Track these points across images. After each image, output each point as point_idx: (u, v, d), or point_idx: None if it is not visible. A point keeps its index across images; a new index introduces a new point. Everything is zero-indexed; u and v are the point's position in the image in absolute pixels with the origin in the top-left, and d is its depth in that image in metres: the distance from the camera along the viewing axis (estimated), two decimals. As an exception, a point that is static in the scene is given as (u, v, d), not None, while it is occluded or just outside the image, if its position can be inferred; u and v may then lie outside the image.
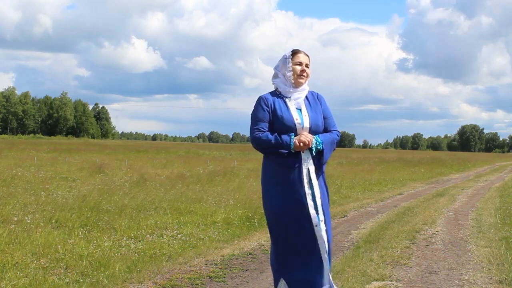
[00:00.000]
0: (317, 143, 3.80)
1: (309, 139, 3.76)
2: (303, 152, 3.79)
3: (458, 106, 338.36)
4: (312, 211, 3.75)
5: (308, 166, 3.80)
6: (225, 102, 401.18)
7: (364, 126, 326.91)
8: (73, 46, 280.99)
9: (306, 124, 3.83)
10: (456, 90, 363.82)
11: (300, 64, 3.91)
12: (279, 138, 3.78)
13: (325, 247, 3.76)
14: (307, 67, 3.94)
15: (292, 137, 3.77)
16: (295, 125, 3.81)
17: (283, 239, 3.83)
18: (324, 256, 3.76)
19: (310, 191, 3.78)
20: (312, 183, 3.80)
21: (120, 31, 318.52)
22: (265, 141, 3.80)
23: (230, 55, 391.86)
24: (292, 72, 3.90)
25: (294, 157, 3.79)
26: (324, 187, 3.91)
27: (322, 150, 3.82)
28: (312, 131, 3.83)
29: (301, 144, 3.74)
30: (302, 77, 3.91)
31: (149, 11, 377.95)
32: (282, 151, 3.77)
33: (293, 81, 3.91)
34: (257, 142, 3.83)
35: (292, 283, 3.81)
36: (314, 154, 3.81)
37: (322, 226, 3.78)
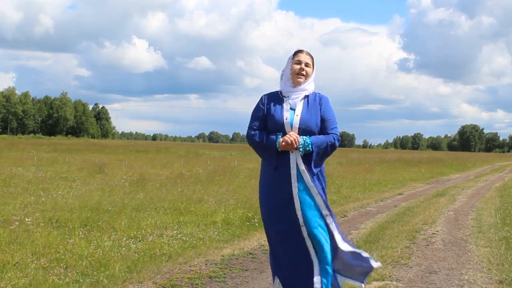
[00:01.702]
0: (306, 144, 3.74)
1: (293, 139, 3.71)
2: (291, 152, 3.76)
3: (458, 106, 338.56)
4: (299, 212, 3.74)
5: (298, 167, 3.76)
6: (225, 102, 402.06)
7: (364, 126, 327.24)
8: (74, 46, 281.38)
9: (296, 124, 3.79)
10: (456, 90, 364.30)
11: (299, 62, 3.91)
12: (267, 137, 3.81)
13: (313, 248, 3.73)
14: (308, 66, 3.92)
15: (279, 136, 3.77)
16: (284, 124, 3.80)
17: (273, 239, 3.86)
18: (314, 257, 3.74)
19: (298, 192, 3.74)
20: (301, 184, 3.76)
21: (121, 31, 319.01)
22: (254, 139, 3.86)
23: (231, 55, 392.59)
24: (290, 71, 3.92)
25: (282, 157, 3.78)
26: (320, 187, 3.81)
27: (312, 152, 3.76)
28: (302, 131, 3.78)
29: (284, 143, 3.72)
30: (299, 76, 3.90)
31: (150, 11, 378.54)
32: (270, 150, 3.78)
33: (291, 80, 3.91)
34: (248, 140, 3.91)
35: (285, 282, 3.81)
36: (302, 155, 3.76)
37: (309, 228, 3.72)
